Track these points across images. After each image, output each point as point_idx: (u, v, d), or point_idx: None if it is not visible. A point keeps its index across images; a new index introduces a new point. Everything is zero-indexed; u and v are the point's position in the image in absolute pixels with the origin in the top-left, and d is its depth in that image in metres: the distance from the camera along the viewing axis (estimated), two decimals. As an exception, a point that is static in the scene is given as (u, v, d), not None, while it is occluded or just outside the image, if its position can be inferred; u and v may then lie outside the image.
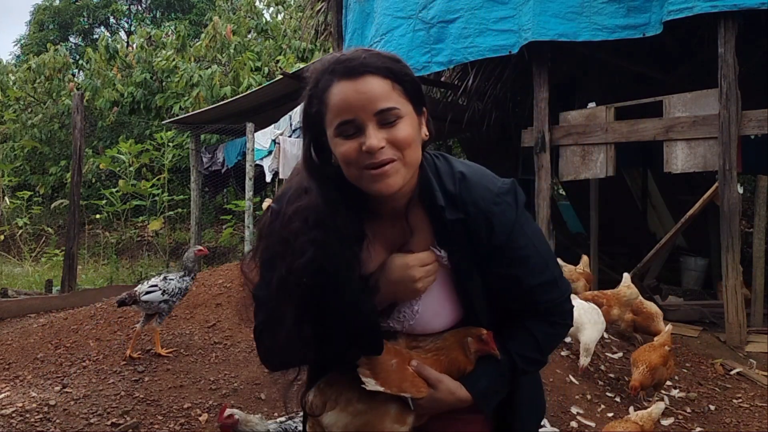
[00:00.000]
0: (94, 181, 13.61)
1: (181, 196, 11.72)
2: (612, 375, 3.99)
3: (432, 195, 1.26)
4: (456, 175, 1.27)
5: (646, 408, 3.25)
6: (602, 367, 4.05)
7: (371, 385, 1.23)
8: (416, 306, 1.31)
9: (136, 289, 3.84)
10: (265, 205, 7.99)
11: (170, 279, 3.84)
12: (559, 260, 4.61)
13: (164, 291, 3.74)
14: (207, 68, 12.65)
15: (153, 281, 3.85)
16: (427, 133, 1.27)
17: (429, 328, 1.32)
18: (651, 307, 4.37)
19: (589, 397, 3.60)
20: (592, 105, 5.66)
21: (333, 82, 1.18)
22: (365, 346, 1.26)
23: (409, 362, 1.28)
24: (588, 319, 3.56)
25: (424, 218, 1.29)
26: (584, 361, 3.51)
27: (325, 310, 1.24)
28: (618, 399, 3.66)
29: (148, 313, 3.80)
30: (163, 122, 11.57)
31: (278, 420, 2.55)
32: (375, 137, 1.15)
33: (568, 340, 4.24)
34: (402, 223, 1.30)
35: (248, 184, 8.09)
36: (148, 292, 3.74)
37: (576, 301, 3.73)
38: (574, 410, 3.48)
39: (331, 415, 1.31)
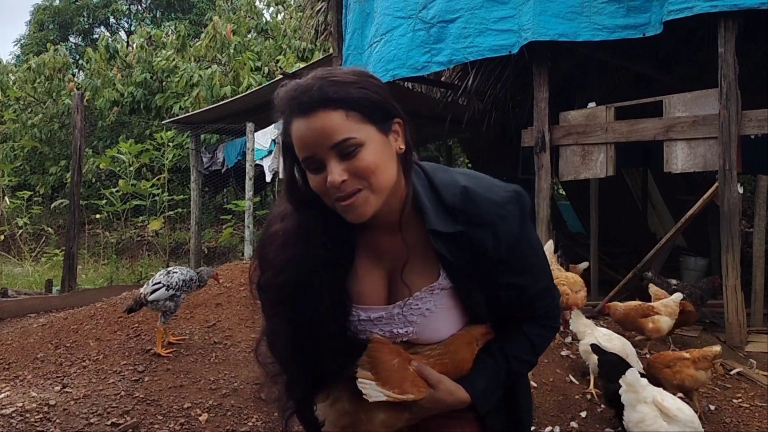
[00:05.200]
0: (94, 181, 13.62)
1: (181, 196, 11.73)
2: (612, 375, 3.99)
3: (420, 214, 1.25)
4: (457, 188, 1.25)
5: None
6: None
7: (374, 394, 1.22)
8: (411, 327, 1.31)
9: (141, 291, 3.80)
10: None
11: (174, 272, 3.79)
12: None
13: (168, 286, 3.69)
14: (207, 68, 12.66)
15: (156, 278, 3.79)
16: (402, 147, 1.23)
17: (429, 341, 1.33)
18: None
19: (589, 396, 3.60)
20: (592, 105, 5.65)
21: (292, 118, 1.18)
22: (328, 363, 1.29)
23: (409, 362, 1.28)
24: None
25: (421, 232, 1.27)
26: None
27: (289, 327, 1.29)
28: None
29: (163, 311, 3.75)
30: (163, 122, 11.57)
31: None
32: (336, 171, 1.14)
33: (568, 340, 4.24)
34: (397, 238, 1.28)
35: (248, 184, 8.09)
36: (153, 291, 3.68)
37: (597, 331, 3.69)
38: (574, 410, 3.48)
39: (321, 407, 1.33)
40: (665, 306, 4.09)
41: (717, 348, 3.47)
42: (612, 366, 3.23)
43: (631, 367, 3.15)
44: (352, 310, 1.31)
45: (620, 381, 2.90)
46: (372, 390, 1.22)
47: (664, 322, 4.03)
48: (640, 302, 4.26)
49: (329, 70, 1.22)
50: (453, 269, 1.26)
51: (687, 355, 3.45)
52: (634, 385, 2.85)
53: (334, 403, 1.30)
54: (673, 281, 4.80)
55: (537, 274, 1.32)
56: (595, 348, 3.37)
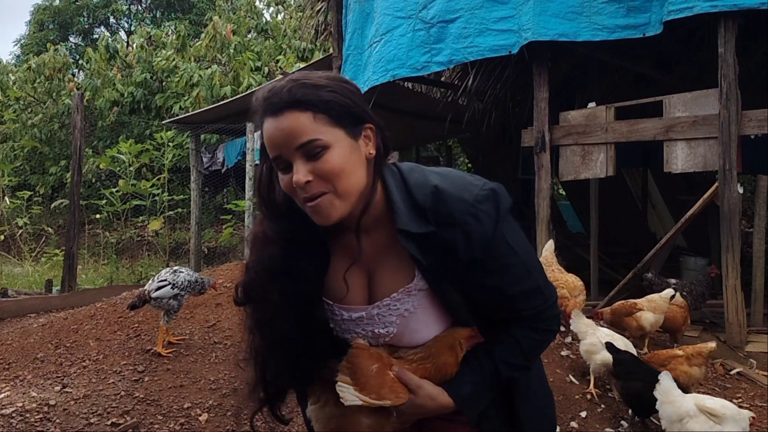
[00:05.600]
0: (94, 181, 13.62)
1: (181, 196, 11.73)
2: (612, 375, 3.99)
3: (393, 214, 1.25)
4: (428, 187, 1.24)
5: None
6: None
7: (350, 398, 1.23)
8: (392, 328, 1.31)
9: (144, 288, 3.78)
10: None
11: (180, 272, 3.77)
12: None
13: (173, 284, 3.67)
14: (207, 68, 12.66)
15: (162, 275, 3.76)
16: (372, 152, 1.24)
17: (411, 343, 1.32)
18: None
19: (589, 396, 3.60)
20: (592, 105, 5.65)
21: (264, 119, 1.20)
22: (292, 365, 1.32)
23: (390, 367, 1.28)
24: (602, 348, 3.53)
25: (395, 233, 1.26)
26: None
27: (255, 328, 1.34)
28: (618, 399, 3.66)
29: (166, 309, 3.72)
30: (163, 122, 11.57)
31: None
32: (301, 172, 1.16)
33: (568, 340, 4.24)
34: (372, 238, 1.30)
35: (248, 184, 8.09)
36: (158, 288, 3.65)
37: (599, 331, 3.68)
38: (574, 410, 3.48)
39: (311, 410, 1.35)
40: (649, 301, 4.09)
41: (711, 344, 3.50)
42: (628, 365, 3.23)
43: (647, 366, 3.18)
44: (323, 315, 1.34)
45: (655, 393, 2.87)
46: (349, 394, 1.23)
47: (646, 319, 4.00)
48: (624, 301, 4.24)
49: (305, 73, 1.23)
50: (427, 269, 1.26)
51: (680, 352, 3.47)
52: (668, 393, 2.83)
53: (324, 406, 1.32)
54: (673, 281, 4.80)
55: (517, 274, 1.28)
56: (610, 346, 3.36)
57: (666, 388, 2.84)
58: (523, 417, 1.38)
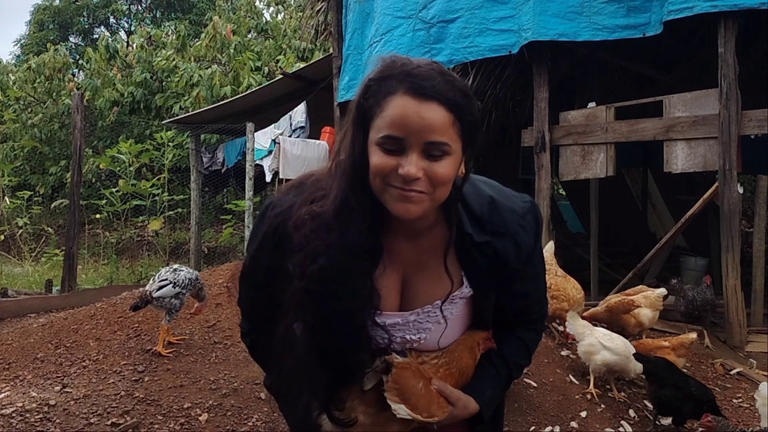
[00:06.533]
0: (94, 181, 13.61)
1: (181, 196, 11.73)
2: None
3: (459, 220, 1.25)
4: (485, 197, 1.27)
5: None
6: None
7: (403, 412, 1.23)
8: (424, 334, 1.31)
9: (146, 288, 3.77)
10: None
11: (180, 270, 3.76)
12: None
13: (174, 283, 3.66)
14: (207, 68, 12.66)
15: (163, 275, 3.75)
16: (463, 172, 1.22)
17: (436, 347, 1.33)
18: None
19: (589, 396, 3.60)
20: (592, 105, 5.66)
21: (398, 91, 1.13)
22: (351, 361, 1.24)
23: (430, 381, 1.29)
24: (605, 345, 3.53)
25: (443, 240, 1.26)
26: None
27: (319, 319, 1.20)
28: (618, 399, 3.66)
29: (168, 308, 3.69)
30: (163, 122, 11.57)
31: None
32: (415, 165, 1.11)
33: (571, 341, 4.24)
34: (417, 243, 1.27)
35: (248, 184, 8.09)
36: (160, 287, 3.64)
37: (597, 331, 3.68)
38: (574, 410, 3.48)
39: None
40: (646, 297, 4.11)
41: (693, 335, 3.72)
42: (663, 370, 3.26)
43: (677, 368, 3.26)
44: (379, 307, 1.24)
45: (756, 396, 2.96)
46: (402, 411, 1.24)
47: (644, 315, 4.02)
48: (621, 298, 4.23)
49: (448, 71, 1.19)
50: (476, 277, 1.28)
51: (666, 343, 3.62)
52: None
53: (348, 413, 1.28)
54: (687, 285, 4.68)
55: (540, 281, 1.39)
56: (639, 357, 3.39)
57: (765, 393, 2.91)
58: (503, 416, 1.47)
